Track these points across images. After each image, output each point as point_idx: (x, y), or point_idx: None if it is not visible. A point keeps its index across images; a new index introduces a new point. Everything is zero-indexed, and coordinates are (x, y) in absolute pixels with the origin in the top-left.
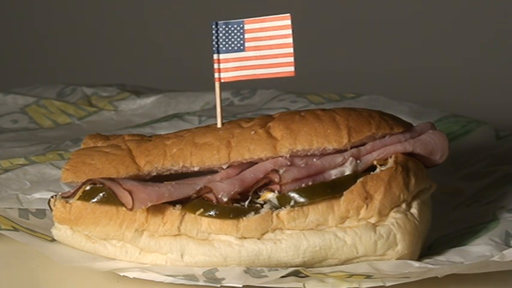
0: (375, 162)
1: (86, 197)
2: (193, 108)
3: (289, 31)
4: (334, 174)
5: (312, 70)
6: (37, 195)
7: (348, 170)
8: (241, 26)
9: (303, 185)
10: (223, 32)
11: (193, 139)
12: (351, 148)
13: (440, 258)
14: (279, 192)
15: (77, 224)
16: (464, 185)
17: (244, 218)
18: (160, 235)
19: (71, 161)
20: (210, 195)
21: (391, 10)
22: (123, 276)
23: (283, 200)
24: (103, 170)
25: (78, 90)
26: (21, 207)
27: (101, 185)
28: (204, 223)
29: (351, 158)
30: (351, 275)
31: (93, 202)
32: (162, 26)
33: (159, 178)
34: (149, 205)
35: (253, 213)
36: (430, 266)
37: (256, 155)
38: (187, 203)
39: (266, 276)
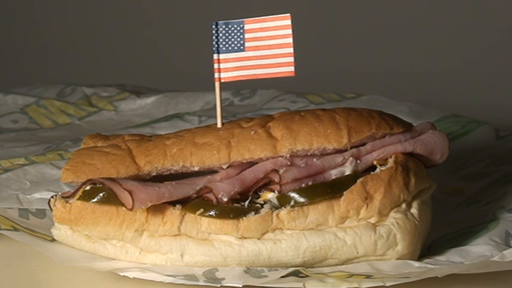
0: (375, 162)
1: (86, 197)
2: (193, 108)
3: (289, 31)
4: (334, 174)
5: (312, 70)
6: (37, 195)
7: (348, 170)
8: (241, 26)
9: (303, 185)
10: (223, 32)
11: (193, 139)
12: (351, 148)
13: (440, 258)
14: (279, 192)
15: (77, 224)
16: (464, 185)
17: (244, 218)
18: (160, 235)
19: (71, 161)
20: (210, 195)
21: (391, 10)
22: (123, 276)
23: (283, 200)
24: (103, 170)
25: (78, 90)
26: (21, 207)
27: (101, 185)
28: (204, 223)
29: (351, 158)
30: (351, 275)
31: (93, 202)
32: (162, 26)
33: (159, 178)
34: (149, 205)
35: (253, 213)
36: (430, 266)
37: (256, 155)
38: (187, 203)
39: (266, 276)
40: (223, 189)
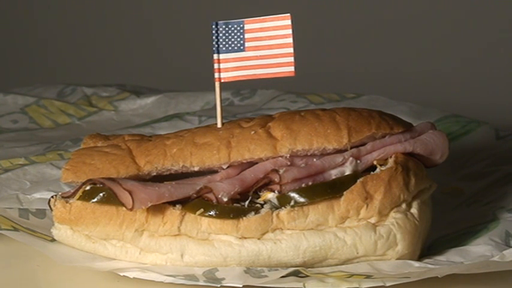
0: (375, 162)
1: (86, 197)
2: (193, 108)
3: (289, 31)
4: (334, 174)
5: (312, 70)
6: (37, 195)
7: (348, 170)
8: (241, 26)
9: (303, 185)
10: (223, 32)
11: (193, 139)
12: (351, 148)
13: (440, 258)
14: (279, 192)
15: (77, 224)
16: (464, 185)
17: (244, 218)
18: (160, 235)
19: (71, 161)
20: (210, 195)
21: (391, 10)
22: (123, 276)
23: (283, 200)
24: (103, 170)
25: (78, 90)
26: (21, 207)
27: (101, 185)
28: (204, 223)
29: (351, 158)
30: (351, 275)
31: (93, 202)
32: (161, 25)
33: (159, 178)
34: (149, 205)
35: (253, 213)
36: (430, 266)
37: (256, 155)
38: (187, 203)
39: (266, 276)
40: (223, 189)
